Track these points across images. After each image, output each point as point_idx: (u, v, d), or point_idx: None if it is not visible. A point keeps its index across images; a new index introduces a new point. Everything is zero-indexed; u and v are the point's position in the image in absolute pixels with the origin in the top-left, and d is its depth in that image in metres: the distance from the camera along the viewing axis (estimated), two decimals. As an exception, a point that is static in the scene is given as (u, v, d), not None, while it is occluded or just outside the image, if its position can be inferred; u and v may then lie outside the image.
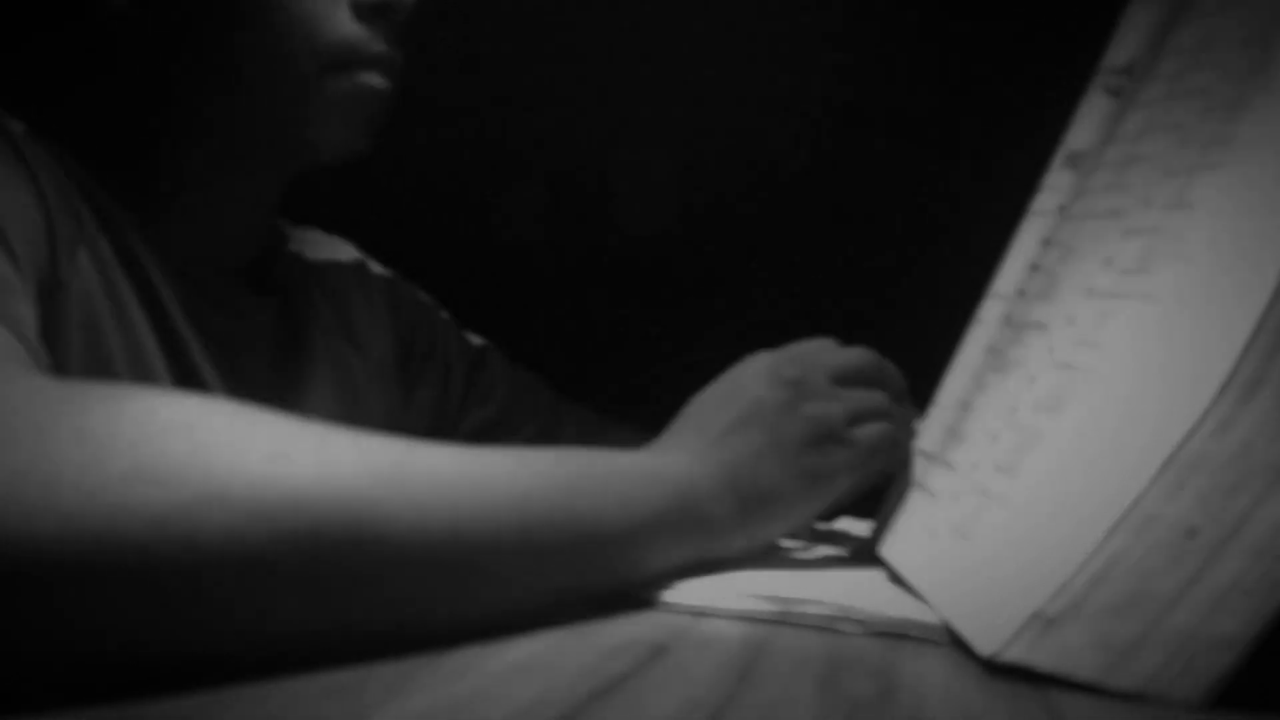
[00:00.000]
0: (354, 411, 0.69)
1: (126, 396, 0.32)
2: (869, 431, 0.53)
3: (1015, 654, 0.35)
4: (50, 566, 0.28)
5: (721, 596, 0.45)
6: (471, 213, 0.76)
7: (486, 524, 0.36)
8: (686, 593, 0.45)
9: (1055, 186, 0.55)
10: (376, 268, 0.80)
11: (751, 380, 0.53)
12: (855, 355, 0.57)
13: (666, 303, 0.99)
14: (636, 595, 0.45)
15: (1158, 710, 0.33)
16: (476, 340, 0.84)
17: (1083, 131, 0.54)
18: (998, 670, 0.35)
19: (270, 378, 0.67)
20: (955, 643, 0.40)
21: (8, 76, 0.55)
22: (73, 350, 0.52)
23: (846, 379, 0.55)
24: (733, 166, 1.03)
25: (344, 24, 0.58)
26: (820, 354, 0.56)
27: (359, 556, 0.32)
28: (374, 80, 0.59)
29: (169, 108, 0.59)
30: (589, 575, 0.41)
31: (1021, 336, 0.50)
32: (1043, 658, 0.34)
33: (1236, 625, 0.33)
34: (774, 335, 0.58)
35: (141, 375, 0.54)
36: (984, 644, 0.36)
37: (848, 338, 0.58)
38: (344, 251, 0.79)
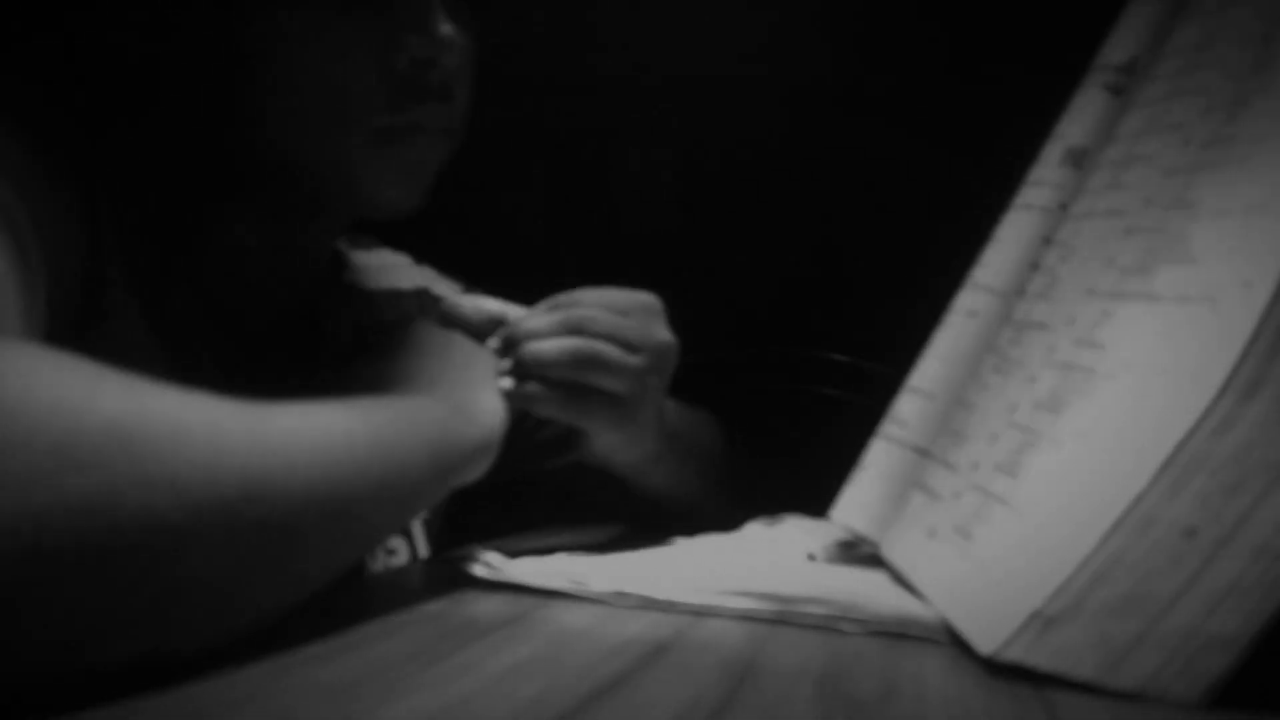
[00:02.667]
0: None
1: (35, 365, 0.31)
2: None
3: (1015, 653, 0.35)
4: None
5: (721, 596, 0.45)
6: (471, 212, 0.76)
7: (350, 480, 0.38)
8: (687, 592, 0.45)
9: (1048, 182, 0.55)
10: (444, 289, 0.76)
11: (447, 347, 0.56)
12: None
13: (664, 301, 0.99)
14: (637, 596, 0.45)
15: (1156, 710, 0.33)
16: None
17: (1081, 128, 0.54)
18: (998, 670, 0.35)
19: None
20: (955, 642, 0.40)
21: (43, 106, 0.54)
22: None
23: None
24: (732, 163, 1.03)
25: (377, 95, 0.53)
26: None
27: (255, 519, 0.33)
28: (417, 147, 0.56)
29: (203, 160, 0.57)
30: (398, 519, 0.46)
31: (1022, 336, 0.50)
32: (1042, 657, 0.35)
33: (1235, 625, 0.33)
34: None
35: None
36: (984, 643, 0.36)
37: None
38: (408, 276, 0.75)
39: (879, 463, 0.57)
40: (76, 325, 0.51)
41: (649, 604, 0.44)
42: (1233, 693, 0.33)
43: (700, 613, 0.44)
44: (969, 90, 0.94)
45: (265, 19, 0.53)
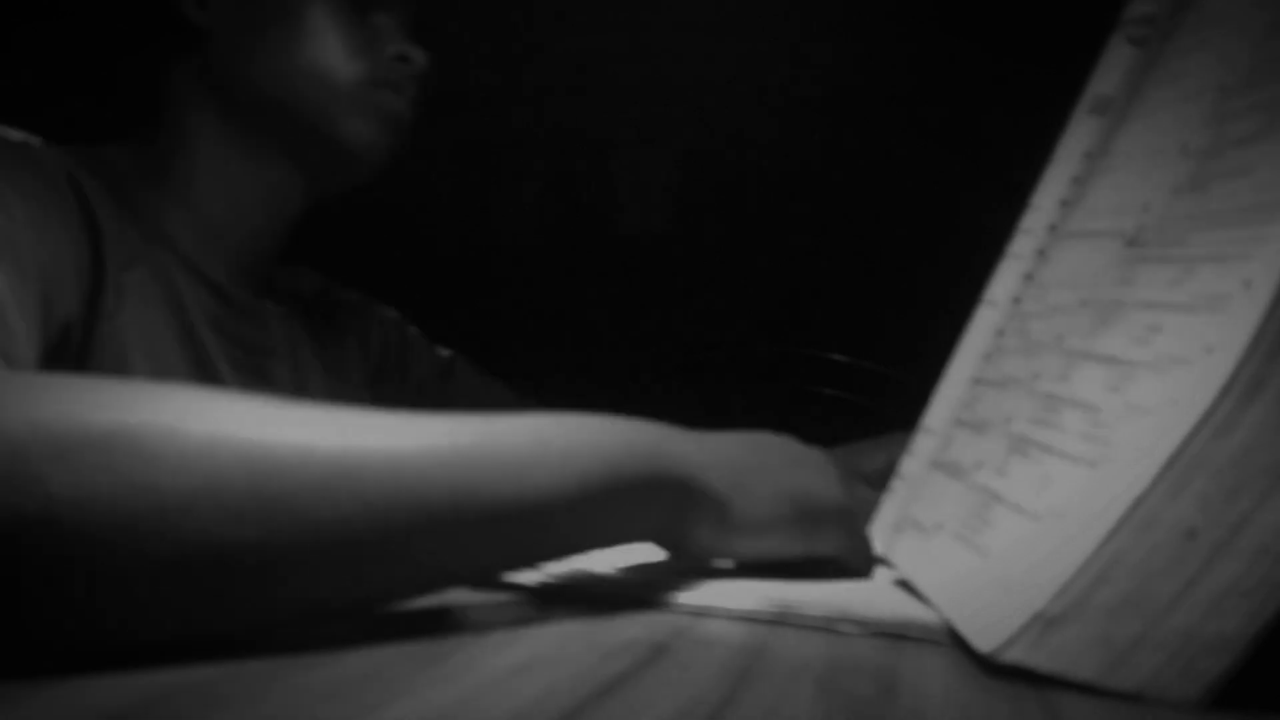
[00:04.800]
0: None
1: (100, 387, 0.33)
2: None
3: (1016, 654, 0.35)
4: (47, 554, 0.29)
5: (721, 597, 0.45)
6: (469, 213, 0.76)
7: (418, 502, 0.35)
8: (686, 594, 0.45)
9: (1042, 207, 0.55)
10: (340, 292, 0.86)
11: (777, 436, 0.53)
12: None
13: (665, 302, 0.99)
14: (638, 597, 0.45)
15: (1156, 710, 0.33)
16: (444, 352, 0.90)
17: (1068, 152, 0.54)
18: (998, 670, 0.35)
19: (291, 380, 0.73)
20: (956, 643, 0.40)
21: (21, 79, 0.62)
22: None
23: None
24: (733, 165, 1.03)
25: (380, 55, 0.71)
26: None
27: (311, 542, 0.33)
28: (395, 100, 0.71)
29: (206, 100, 0.69)
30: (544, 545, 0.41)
31: (1026, 344, 0.50)
32: (1043, 658, 0.34)
33: (1235, 626, 0.33)
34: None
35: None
36: (984, 644, 0.36)
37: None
38: (308, 280, 0.84)
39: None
40: (89, 319, 0.58)
41: (649, 604, 0.44)
42: (1233, 693, 0.33)
43: (700, 613, 0.44)
44: (969, 94, 0.94)
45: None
